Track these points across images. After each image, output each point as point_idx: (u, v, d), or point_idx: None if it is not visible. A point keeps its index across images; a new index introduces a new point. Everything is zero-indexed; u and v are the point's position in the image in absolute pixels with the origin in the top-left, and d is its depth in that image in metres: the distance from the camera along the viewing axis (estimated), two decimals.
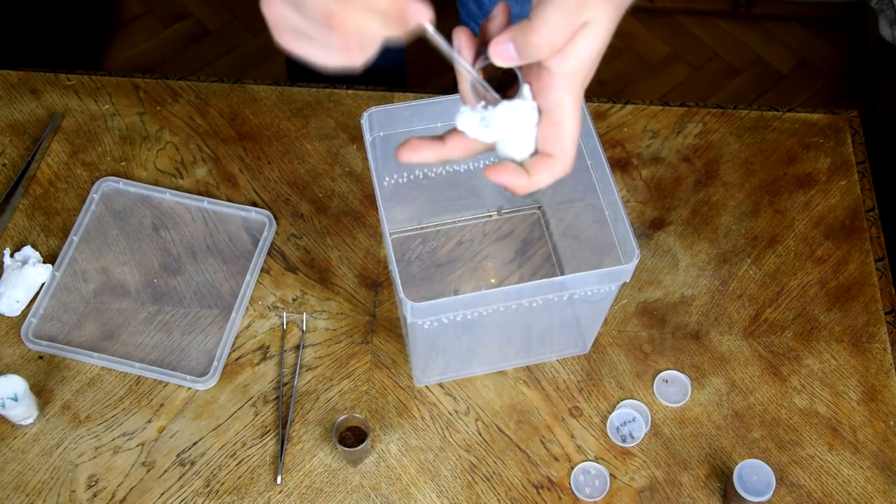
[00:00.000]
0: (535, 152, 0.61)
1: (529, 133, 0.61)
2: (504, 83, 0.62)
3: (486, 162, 0.94)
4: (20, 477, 0.88)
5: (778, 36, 2.16)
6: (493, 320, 0.82)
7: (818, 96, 2.05)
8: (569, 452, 0.90)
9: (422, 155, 0.64)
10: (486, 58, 0.60)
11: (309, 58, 0.60)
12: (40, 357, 0.94)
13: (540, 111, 0.61)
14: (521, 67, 0.61)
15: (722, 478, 0.89)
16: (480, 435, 0.91)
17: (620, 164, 1.07)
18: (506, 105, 0.60)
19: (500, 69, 0.60)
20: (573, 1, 0.57)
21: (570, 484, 0.88)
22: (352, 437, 0.86)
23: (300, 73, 1.43)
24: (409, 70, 1.62)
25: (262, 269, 1.00)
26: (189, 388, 0.93)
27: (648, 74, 2.10)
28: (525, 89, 0.60)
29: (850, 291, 0.99)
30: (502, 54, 0.58)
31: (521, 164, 0.62)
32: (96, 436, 0.90)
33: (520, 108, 0.60)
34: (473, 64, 0.61)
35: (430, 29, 0.57)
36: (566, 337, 0.93)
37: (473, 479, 0.89)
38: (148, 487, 0.88)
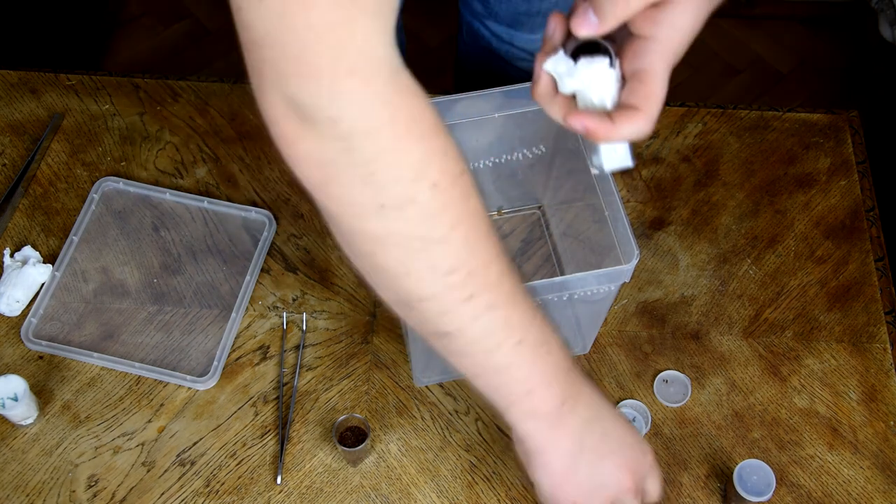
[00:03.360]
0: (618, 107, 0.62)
1: (610, 87, 0.62)
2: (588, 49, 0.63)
3: (487, 162, 0.94)
4: (20, 477, 0.88)
5: (778, 36, 2.16)
6: None
7: (818, 96, 2.05)
8: None
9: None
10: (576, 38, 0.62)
11: None
12: (40, 357, 0.94)
13: (624, 76, 0.62)
14: (611, 40, 0.62)
15: (722, 478, 0.89)
16: (480, 435, 0.91)
17: None
18: (586, 59, 0.61)
19: (593, 47, 0.62)
20: None
21: None
22: (352, 437, 0.86)
23: None
24: (410, 70, 1.62)
25: (262, 269, 1.00)
26: (189, 388, 0.93)
27: None
28: (611, 53, 0.62)
29: (850, 291, 0.99)
30: (583, 24, 0.59)
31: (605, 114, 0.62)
32: (96, 436, 0.90)
33: (600, 64, 0.61)
34: (564, 45, 0.63)
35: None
36: (566, 337, 0.93)
37: (473, 479, 0.89)
38: (148, 487, 0.88)
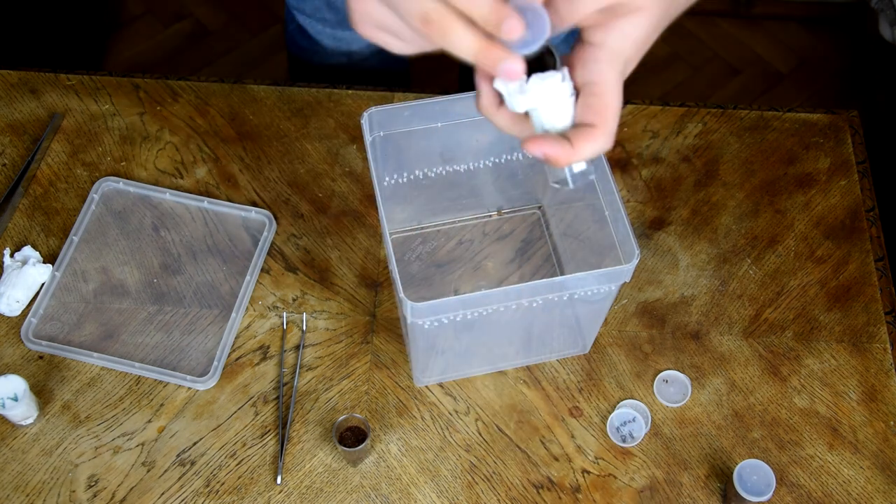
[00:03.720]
0: (574, 126, 0.61)
1: (566, 103, 0.60)
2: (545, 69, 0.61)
3: (487, 162, 0.94)
4: (20, 477, 0.88)
5: (778, 36, 2.16)
6: (493, 320, 0.82)
7: (818, 96, 2.05)
8: (569, 452, 0.90)
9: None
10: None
11: (387, 47, 0.61)
12: (40, 357, 0.94)
13: (577, 89, 0.61)
14: (557, 49, 0.61)
15: (722, 478, 0.89)
16: (480, 435, 0.91)
17: (620, 164, 1.07)
18: (538, 76, 0.60)
19: (541, 57, 0.60)
20: None
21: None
22: (352, 437, 0.86)
23: (303, 72, 1.43)
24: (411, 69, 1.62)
25: (262, 269, 1.00)
26: (189, 388, 0.93)
27: (648, 74, 2.10)
28: (558, 64, 0.60)
29: (850, 291, 0.99)
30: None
31: (562, 136, 0.61)
32: (96, 436, 0.90)
33: (552, 79, 0.60)
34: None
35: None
36: (566, 337, 0.93)
37: (473, 479, 0.89)
38: (148, 487, 0.88)
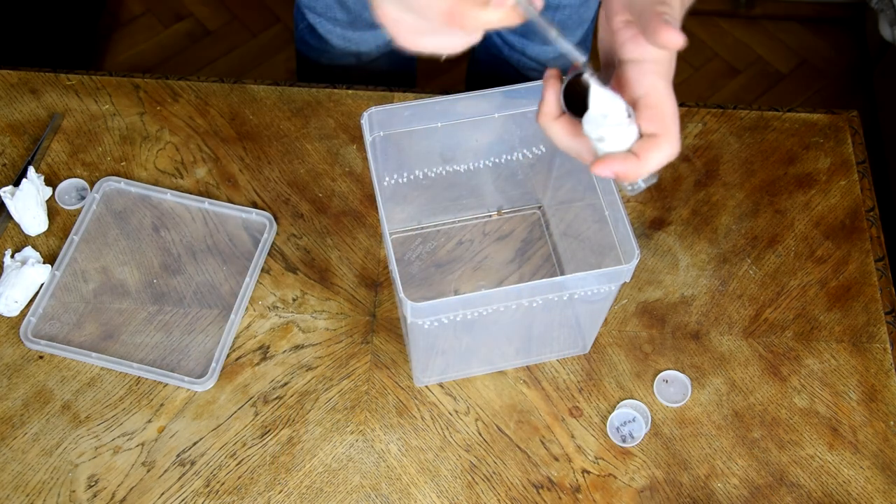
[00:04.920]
0: (639, 138, 0.62)
1: (629, 129, 0.61)
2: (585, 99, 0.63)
3: (487, 162, 0.94)
4: (20, 477, 0.88)
5: (778, 36, 2.16)
6: (493, 320, 0.82)
7: (818, 96, 2.05)
8: (569, 452, 0.90)
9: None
10: (573, 72, 0.61)
11: (436, 50, 0.61)
12: (40, 357, 0.94)
13: (632, 104, 0.62)
14: (598, 74, 0.62)
15: (722, 478, 0.89)
16: (480, 435, 0.91)
17: None
18: (601, 104, 0.61)
19: (583, 87, 0.62)
20: None
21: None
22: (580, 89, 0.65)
23: (311, 71, 1.43)
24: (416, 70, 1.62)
25: (262, 269, 1.00)
26: (189, 389, 0.93)
27: None
28: (596, 83, 0.61)
29: (850, 291, 0.99)
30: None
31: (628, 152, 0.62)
32: (96, 436, 0.90)
33: (617, 107, 0.61)
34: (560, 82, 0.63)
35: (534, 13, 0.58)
36: (566, 337, 0.93)
37: (473, 479, 0.89)
38: (148, 487, 0.88)
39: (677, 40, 0.58)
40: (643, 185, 0.65)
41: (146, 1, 2.18)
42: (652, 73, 0.62)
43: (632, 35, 0.61)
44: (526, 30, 1.27)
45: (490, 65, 1.39)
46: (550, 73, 0.66)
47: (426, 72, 2.02)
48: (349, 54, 1.33)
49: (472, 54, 1.44)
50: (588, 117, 0.62)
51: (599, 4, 0.65)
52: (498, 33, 1.31)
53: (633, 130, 0.62)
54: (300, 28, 1.36)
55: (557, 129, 0.65)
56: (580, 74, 0.62)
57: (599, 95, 0.61)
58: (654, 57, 0.61)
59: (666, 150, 0.62)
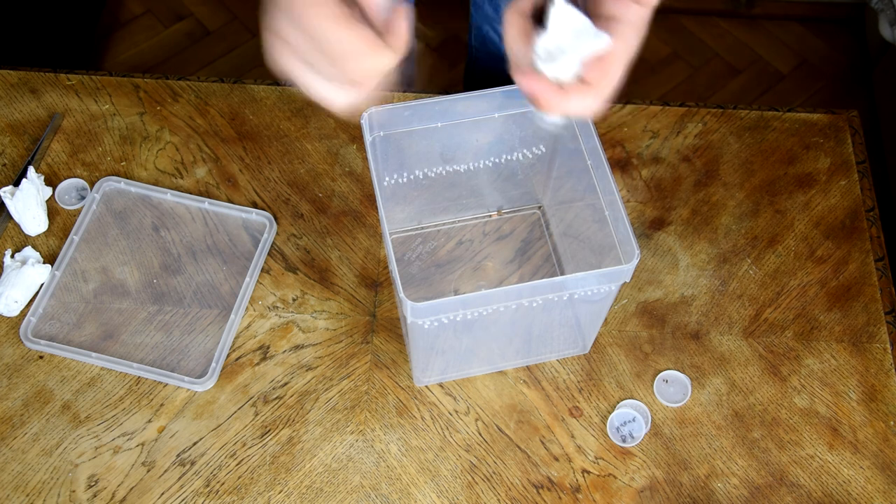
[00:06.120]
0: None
1: (578, 47, 0.59)
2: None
3: (487, 162, 0.94)
4: (20, 477, 0.88)
5: (778, 36, 2.16)
6: (493, 320, 0.82)
7: (818, 96, 2.05)
8: (569, 452, 0.90)
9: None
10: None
11: (310, 89, 0.58)
12: (40, 357, 0.94)
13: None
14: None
15: (722, 478, 0.89)
16: (480, 435, 0.91)
17: (620, 164, 1.07)
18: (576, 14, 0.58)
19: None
20: None
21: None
22: None
23: None
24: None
25: (262, 269, 1.00)
26: (189, 389, 0.93)
27: (648, 74, 2.10)
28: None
29: (850, 291, 0.99)
30: None
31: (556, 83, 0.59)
32: (96, 436, 0.90)
33: (587, 28, 0.58)
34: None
35: None
36: (566, 337, 0.93)
37: (473, 479, 0.89)
38: (148, 487, 0.88)
39: None
40: (550, 123, 0.63)
41: (146, 1, 2.18)
42: (620, 34, 0.60)
43: None
44: None
45: (488, 60, 1.39)
46: None
47: (424, 72, 2.02)
48: None
49: (469, 51, 1.44)
50: (553, 29, 0.59)
51: None
52: (495, 29, 1.31)
53: (577, 67, 0.60)
54: None
55: (515, 23, 0.62)
56: None
57: (572, 17, 0.59)
58: (631, 19, 0.60)
59: (589, 101, 0.60)
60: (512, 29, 0.62)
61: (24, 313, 0.96)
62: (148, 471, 0.89)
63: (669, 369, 0.95)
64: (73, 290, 0.98)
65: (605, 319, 0.94)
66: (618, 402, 0.93)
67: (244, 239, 1.02)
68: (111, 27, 2.13)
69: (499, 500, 0.88)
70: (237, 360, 0.95)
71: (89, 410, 0.92)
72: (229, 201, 1.04)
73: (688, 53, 2.13)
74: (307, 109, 1.11)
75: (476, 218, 1.03)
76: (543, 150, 0.94)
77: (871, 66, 2.02)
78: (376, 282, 1.00)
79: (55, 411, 0.92)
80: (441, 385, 0.94)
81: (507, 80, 1.17)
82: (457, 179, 0.95)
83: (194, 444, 0.90)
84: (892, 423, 0.92)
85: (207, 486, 0.88)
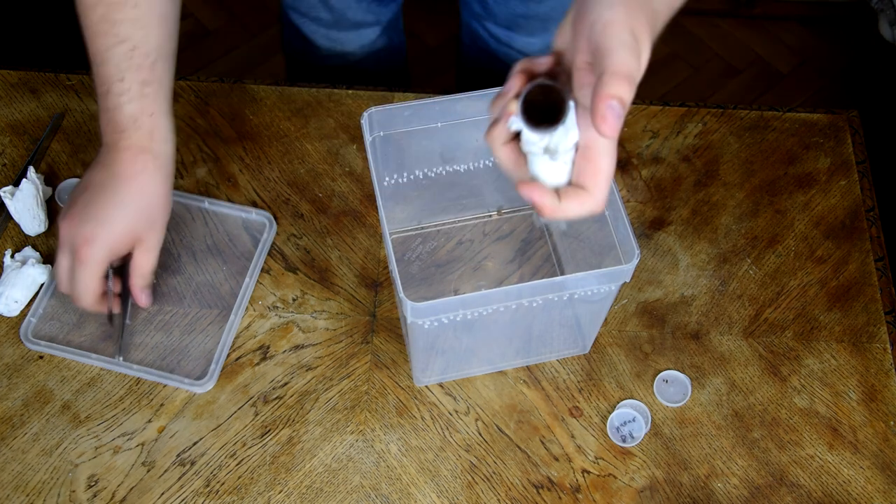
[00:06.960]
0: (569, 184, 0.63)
1: (567, 161, 0.62)
2: (545, 111, 0.62)
3: (487, 162, 0.94)
4: (20, 477, 0.88)
5: (778, 36, 2.16)
6: (493, 320, 0.82)
7: (818, 96, 2.05)
8: (569, 452, 0.90)
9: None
10: (534, 83, 0.61)
11: (58, 270, 0.85)
12: (40, 357, 0.94)
13: (577, 145, 0.62)
14: (571, 94, 0.62)
15: (722, 478, 0.89)
16: (480, 435, 0.91)
17: (620, 164, 1.07)
18: (563, 127, 0.61)
19: (542, 96, 0.61)
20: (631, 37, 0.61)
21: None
22: (542, 98, 0.62)
23: (299, 73, 1.43)
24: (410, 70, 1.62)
25: (262, 269, 1.00)
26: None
27: (648, 74, 2.10)
28: (572, 114, 0.61)
29: (850, 291, 0.99)
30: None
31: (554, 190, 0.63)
32: (96, 436, 0.90)
33: (570, 128, 0.61)
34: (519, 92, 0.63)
35: None
36: (566, 337, 0.93)
37: (473, 479, 0.89)
38: (148, 487, 0.88)
39: (612, 133, 0.57)
40: (556, 226, 0.67)
41: None
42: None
43: (591, 82, 0.60)
44: (511, 23, 1.27)
45: (478, 58, 1.39)
46: (513, 83, 0.64)
47: (423, 72, 2.02)
48: (335, 55, 1.33)
49: (459, 48, 1.44)
50: (530, 158, 0.63)
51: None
52: (483, 27, 1.31)
53: (569, 172, 0.63)
54: (285, 30, 1.37)
55: (502, 153, 0.66)
56: (550, 85, 0.61)
57: (568, 127, 0.61)
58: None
59: (587, 206, 0.63)
60: (501, 156, 0.66)
61: (24, 313, 0.96)
62: (148, 471, 0.89)
63: (669, 369, 0.95)
64: None
65: (605, 319, 0.94)
66: (618, 402, 0.93)
67: (244, 239, 1.02)
68: None
69: (499, 500, 0.88)
70: (237, 360, 0.95)
71: (89, 410, 0.92)
72: (229, 201, 1.04)
73: (688, 53, 2.13)
74: (307, 109, 1.11)
75: (476, 218, 1.03)
76: None
77: (871, 66, 2.02)
78: (376, 282, 1.00)
79: (55, 411, 0.92)
80: (441, 385, 0.94)
81: (495, 73, 1.17)
82: (457, 179, 0.95)
83: (194, 444, 0.90)
84: (892, 423, 0.92)
85: (207, 486, 0.88)
